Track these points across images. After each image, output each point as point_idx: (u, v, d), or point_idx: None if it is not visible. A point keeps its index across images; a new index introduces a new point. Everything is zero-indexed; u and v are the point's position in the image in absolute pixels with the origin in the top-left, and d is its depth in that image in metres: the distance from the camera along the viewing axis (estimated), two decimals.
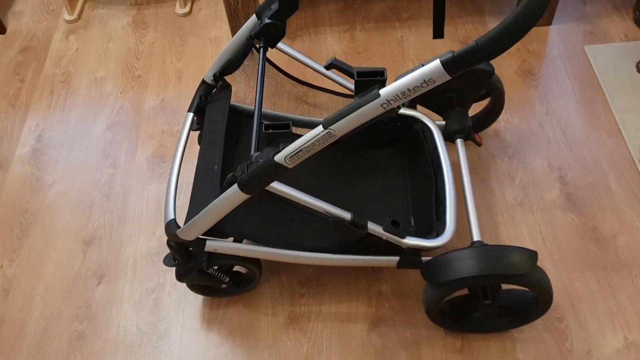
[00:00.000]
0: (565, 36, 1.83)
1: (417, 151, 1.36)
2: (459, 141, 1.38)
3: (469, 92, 1.40)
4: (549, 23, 1.86)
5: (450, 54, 0.74)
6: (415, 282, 1.35)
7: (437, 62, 0.75)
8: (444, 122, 1.40)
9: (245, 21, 1.83)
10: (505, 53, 1.82)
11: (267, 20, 1.16)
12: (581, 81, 1.71)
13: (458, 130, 1.38)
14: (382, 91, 0.79)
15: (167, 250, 1.42)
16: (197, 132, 1.41)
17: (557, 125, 1.61)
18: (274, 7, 1.16)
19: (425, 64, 0.76)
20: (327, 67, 0.91)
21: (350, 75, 0.83)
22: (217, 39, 1.94)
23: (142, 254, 1.45)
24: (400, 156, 1.40)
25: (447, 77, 0.76)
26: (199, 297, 1.36)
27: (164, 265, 1.41)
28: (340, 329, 1.30)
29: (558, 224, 1.42)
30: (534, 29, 1.85)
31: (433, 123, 1.36)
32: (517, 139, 1.60)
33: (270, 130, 0.89)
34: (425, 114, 1.37)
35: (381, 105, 0.80)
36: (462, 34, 1.85)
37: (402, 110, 1.38)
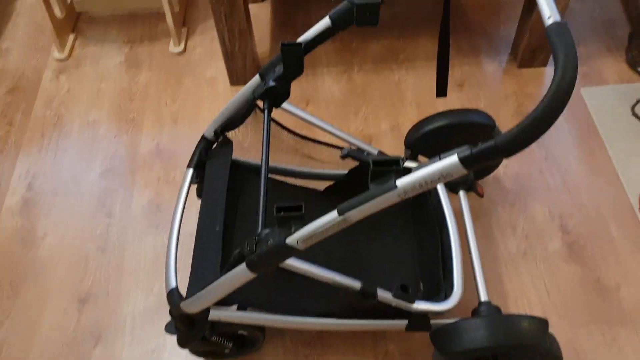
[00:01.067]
0: None
1: (422, 206, 1.35)
2: (461, 193, 1.37)
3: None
4: (545, 64, 1.87)
5: (469, 151, 0.73)
6: (421, 341, 1.34)
7: (454, 158, 0.74)
8: None
9: (242, 64, 1.83)
10: (502, 96, 1.82)
11: (272, 83, 1.14)
12: (578, 125, 1.71)
13: (460, 182, 1.37)
14: (399, 182, 0.77)
15: (166, 308, 1.39)
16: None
17: (556, 171, 1.61)
18: (279, 70, 1.14)
19: (443, 158, 0.75)
20: (343, 157, 0.89)
21: (366, 163, 0.81)
22: (213, 80, 1.91)
23: (140, 312, 1.41)
24: (405, 210, 1.38)
25: (464, 172, 0.75)
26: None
27: (163, 324, 1.37)
28: None
29: (561, 276, 1.42)
30: (531, 70, 1.86)
31: None
32: (517, 186, 1.59)
33: (283, 214, 0.86)
34: None
35: (397, 195, 0.78)
36: (459, 75, 1.85)
37: (406, 164, 1.36)
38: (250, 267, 0.93)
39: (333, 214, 0.83)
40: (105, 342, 1.37)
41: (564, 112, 1.76)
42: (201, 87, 1.90)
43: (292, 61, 1.11)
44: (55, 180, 1.68)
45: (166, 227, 1.56)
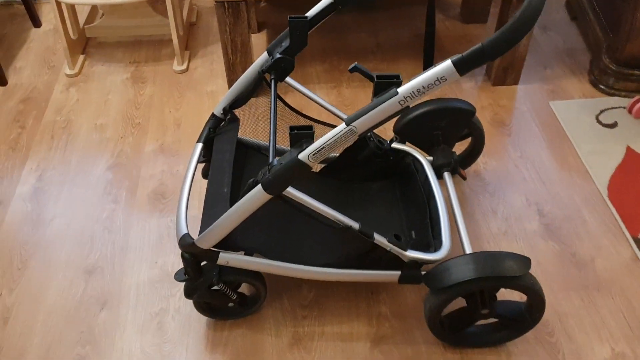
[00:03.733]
0: (531, 94, 2.03)
1: (409, 181, 1.47)
2: (446, 174, 1.50)
3: (453, 131, 1.55)
4: (516, 83, 2.07)
5: (460, 55, 0.87)
6: (413, 303, 1.42)
7: (448, 62, 0.88)
8: (431, 158, 1.53)
9: (242, 74, 1.99)
10: (479, 107, 2.00)
11: (279, 55, 1.29)
12: (549, 130, 1.89)
13: (445, 164, 1.51)
14: (400, 89, 0.91)
15: (170, 278, 1.47)
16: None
17: (531, 167, 1.77)
18: (285, 43, 1.30)
19: (437, 65, 0.89)
20: (351, 71, 1.03)
21: (371, 78, 0.95)
22: (214, 93, 2.07)
23: (144, 282, 1.47)
24: (394, 187, 1.51)
25: (457, 76, 0.88)
26: (203, 321, 1.39)
27: (167, 292, 1.45)
28: (344, 347, 1.34)
29: (540, 251, 1.53)
30: (504, 87, 2.06)
31: (423, 156, 1.49)
32: (496, 179, 1.73)
33: (296, 132, 0.99)
34: (414, 149, 1.50)
35: (399, 102, 0.92)
36: (438, 92, 2.03)
37: (394, 145, 1.50)
38: (266, 187, 1.04)
39: (341, 126, 0.96)
40: (111, 308, 1.42)
41: (536, 120, 1.94)
42: (202, 99, 2.05)
43: (298, 34, 1.27)
44: (64, 174, 1.77)
45: (170, 211, 1.65)
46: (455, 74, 0.88)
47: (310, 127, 0.99)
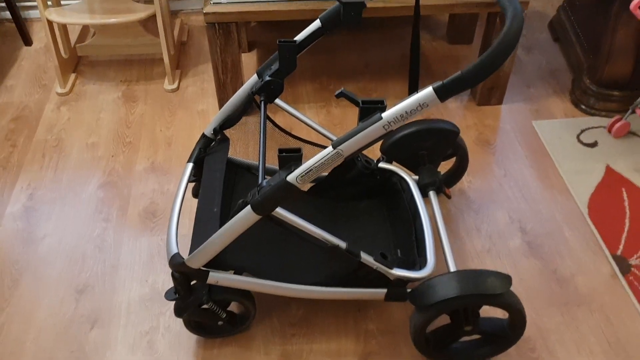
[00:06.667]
0: (515, 113, 2.09)
1: (396, 200, 1.51)
2: (431, 193, 1.54)
3: (438, 150, 1.59)
4: (500, 103, 2.12)
5: (441, 83, 0.91)
6: (399, 320, 1.45)
7: (429, 89, 0.92)
8: (416, 177, 1.57)
9: (232, 94, 2.03)
10: (464, 126, 2.05)
11: (268, 78, 1.33)
12: (532, 149, 1.94)
13: (430, 183, 1.55)
14: (384, 114, 0.95)
15: (160, 296, 1.49)
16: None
17: (514, 185, 1.81)
18: (275, 66, 1.33)
19: (420, 91, 0.93)
20: (338, 96, 1.06)
21: (357, 103, 0.98)
22: (204, 112, 2.10)
23: (135, 300, 1.49)
24: (380, 206, 1.54)
25: (438, 102, 0.92)
26: (193, 339, 1.41)
27: (157, 310, 1.47)
28: None
29: (523, 268, 1.57)
30: (488, 107, 2.11)
31: (409, 176, 1.52)
32: (480, 197, 1.78)
33: (284, 154, 1.02)
34: (401, 169, 1.54)
35: (383, 126, 0.95)
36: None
37: (381, 164, 1.54)
38: (255, 208, 1.07)
39: (328, 149, 0.99)
40: (101, 326, 1.43)
41: (520, 139, 1.99)
42: (193, 118, 2.08)
43: (287, 57, 1.30)
44: (55, 192, 1.79)
45: (160, 230, 1.67)
46: (436, 100, 0.92)
47: (298, 150, 1.03)
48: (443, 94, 0.91)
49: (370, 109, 0.97)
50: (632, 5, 1.64)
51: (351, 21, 1.26)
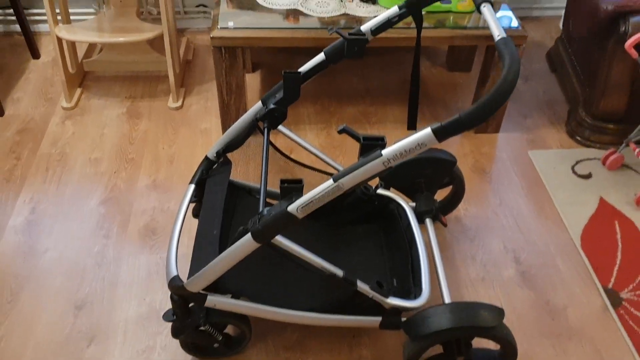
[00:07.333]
0: (511, 142, 2.12)
1: (393, 227, 1.54)
2: (427, 221, 1.57)
3: (435, 179, 1.63)
4: (497, 131, 2.16)
5: (439, 124, 0.95)
6: (393, 346, 1.47)
7: (428, 130, 0.95)
8: (413, 204, 1.60)
9: (235, 116, 2.07)
10: (461, 154, 2.08)
11: (272, 106, 1.37)
12: (527, 179, 1.97)
13: (427, 211, 1.58)
14: (384, 151, 0.98)
15: (157, 315, 1.51)
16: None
17: (509, 214, 1.84)
18: (279, 95, 1.37)
19: (419, 131, 0.96)
20: (340, 132, 1.10)
21: (358, 139, 1.02)
22: (207, 131, 2.13)
23: (133, 318, 1.51)
24: (378, 231, 1.57)
25: (436, 142, 0.96)
26: (189, 359, 1.42)
27: (154, 329, 1.48)
28: None
29: (516, 298, 1.60)
30: (485, 135, 2.15)
31: (406, 203, 1.56)
32: (476, 225, 1.81)
33: (286, 185, 1.05)
34: (398, 196, 1.57)
35: (382, 163, 0.99)
36: None
37: (379, 191, 1.57)
38: (255, 236, 1.09)
39: (329, 182, 1.02)
40: (99, 343, 1.45)
41: (515, 168, 2.03)
42: (196, 136, 2.11)
43: (291, 87, 1.34)
44: (57, 206, 1.82)
45: (160, 248, 1.69)
46: (434, 141, 0.95)
47: (300, 181, 1.06)
48: (441, 135, 0.94)
49: (371, 146, 1.00)
50: (627, 45, 1.69)
51: (354, 55, 1.29)
